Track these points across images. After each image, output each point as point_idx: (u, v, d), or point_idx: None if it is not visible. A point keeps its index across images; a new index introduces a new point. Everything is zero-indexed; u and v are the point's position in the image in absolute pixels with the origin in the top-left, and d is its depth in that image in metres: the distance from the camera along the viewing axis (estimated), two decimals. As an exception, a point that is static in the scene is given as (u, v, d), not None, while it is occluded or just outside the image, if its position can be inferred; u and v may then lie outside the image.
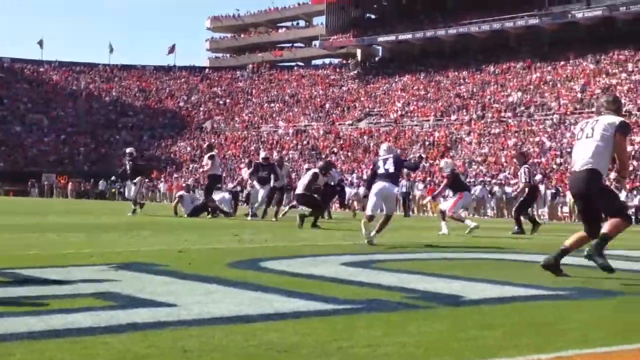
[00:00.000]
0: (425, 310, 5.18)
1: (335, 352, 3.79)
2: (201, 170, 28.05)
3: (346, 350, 3.83)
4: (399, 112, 65.22)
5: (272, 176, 21.54)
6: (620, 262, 9.63)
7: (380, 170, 12.19)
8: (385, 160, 12.29)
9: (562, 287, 6.58)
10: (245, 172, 25.85)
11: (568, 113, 54.63)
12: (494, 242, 13.68)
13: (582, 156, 7.53)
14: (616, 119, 7.57)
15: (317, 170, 19.69)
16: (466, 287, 6.35)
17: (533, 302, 5.73)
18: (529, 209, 19.64)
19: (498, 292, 6.16)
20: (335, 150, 61.19)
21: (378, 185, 12.07)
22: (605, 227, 7.42)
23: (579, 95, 56.46)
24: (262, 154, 23.30)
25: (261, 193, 21.47)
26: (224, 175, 26.45)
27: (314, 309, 5.04)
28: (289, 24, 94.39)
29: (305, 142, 65.57)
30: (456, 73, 67.73)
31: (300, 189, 18.83)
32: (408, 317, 4.86)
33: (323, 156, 59.82)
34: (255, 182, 21.89)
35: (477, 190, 40.21)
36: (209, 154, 22.22)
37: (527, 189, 18.36)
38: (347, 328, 4.40)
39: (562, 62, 62.11)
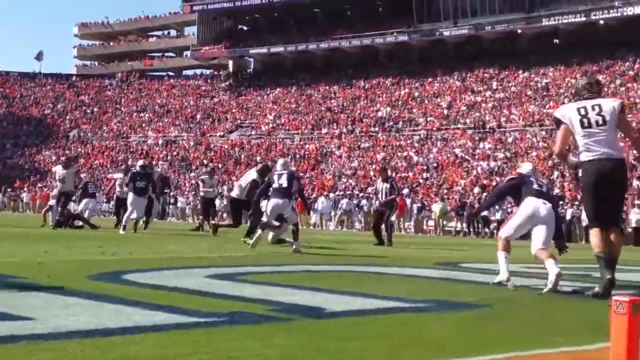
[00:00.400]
0: (287, 322, 5.17)
1: (194, 366, 3.75)
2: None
3: (205, 364, 3.78)
4: (271, 125, 65.40)
5: (149, 186, 21.01)
6: (477, 275, 9.93)
7: (275, 185, 12.39)
8: (280, 176, 12.49)
9: (423, 299, 6.70)
10: (119, 181, 24.74)
11: (434, 129, 56.11)
12: (360, 254, 13.86)
13: (608, 145, 7.29)
14: (615, 102, 7.64)
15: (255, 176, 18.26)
16: (328, 300, 6.37)
17: (393, 314, 5.81)
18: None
19: (360, 304, 6.21)
20: (205, 162, 60.76)
21: (272, 202, 12.42)
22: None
23: (445, 111, 58.07)
24: (140, 162, 22.42)
25: (136, 204, 20.47)
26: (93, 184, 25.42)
27: (174, 322, 4.95)
28: (159, 33, 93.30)
29: (175, 153, 64.84)
30: (327, 87, 68.50)
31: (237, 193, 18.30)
32: (270, 329, 4.84)
33: (193, 167, 59.33)
34: (130, 193, 20.70)
35: (344, 203, 40.78)
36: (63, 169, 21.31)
37: (395, 202, 19.00)
38: (207, 341, 4.34)
39: (430, 79, 63.77)
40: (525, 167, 12.68)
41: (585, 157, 7.38)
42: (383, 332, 4.92)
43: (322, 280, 8.31)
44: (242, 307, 5.69)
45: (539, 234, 8.23)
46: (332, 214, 41.13)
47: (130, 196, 20.67)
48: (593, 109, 7.44)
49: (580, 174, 7.53)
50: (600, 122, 7.34)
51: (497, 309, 6.28)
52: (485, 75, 61.04)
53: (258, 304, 5.94)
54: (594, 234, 7.30)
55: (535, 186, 10.72)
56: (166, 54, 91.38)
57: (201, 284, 7.25)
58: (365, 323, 5.31)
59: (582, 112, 7.45)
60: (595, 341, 4.56)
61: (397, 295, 6.93)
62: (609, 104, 7.56)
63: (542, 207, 8.96)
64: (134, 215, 20.54)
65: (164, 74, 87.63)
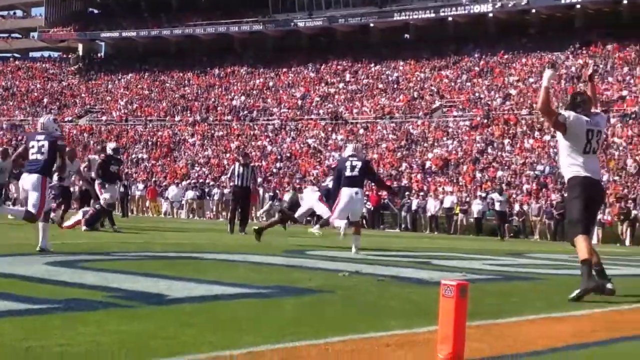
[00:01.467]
0: (127, 309, 5.12)
1: (24, 352, 3.65)
2: None
3: (36, 350, 3.69)
4: (122, 111, 64.04)
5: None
6: (322, 262, 10.10)
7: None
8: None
9: (266, 285, 6.77)
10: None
11: (288, 119, 56.47)
12: (210, 242, 13.82)
13: (596, 170, 7.77)
14: (604, 118, 8.24)
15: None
16: (172, 286, 6.34)
17: (236, 300, 5.85)
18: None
19: (203, 290, 6.21)
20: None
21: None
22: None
23: (299, 102, 58.52)
24: (112, 145, 19.20)
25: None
26: None
27: (7, 308, 4.81)
28: (5, 13, 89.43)
29: (20, 138, 62.48)
30: (181, 74, 67.67)
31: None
32: (106, 316, 4.77)
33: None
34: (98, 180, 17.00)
35: (192, 193, 40.40)
36: None
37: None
38: (41, 328, 4.25)
39: (285, 69, 64.07)
40: (347, 150, 13.14)
41: (583, 173, 7.65)
42: (223, 318, 4.95)
43: (168, 267, 8.25)
44: (80, 294, 5.58)
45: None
46: (183, 202, 40.69)
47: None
48: (597, 134, 7.69)
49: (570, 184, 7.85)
50: (596, 149, 7.72)
51: (337, 295, 6.42)
52: (339, 67, 61.87)
53: (97, 290, 5.84)
54: (584, 240, 7.53)
55: (347, 172, 12.04)
56: (12, 35, 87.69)
57: (40, 271, 7.07)
58: (206, 309, 5.32)
59: (589, 136, 7.63)
60: (427, 324, 4.74)
61: (241, 281, 6.97)
62: (604, 131, 8.00)
63: (354, 197, 12.37)
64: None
65: (9, 55, 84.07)
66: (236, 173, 18.91)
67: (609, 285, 7.43)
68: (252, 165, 20.56)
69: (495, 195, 29.89)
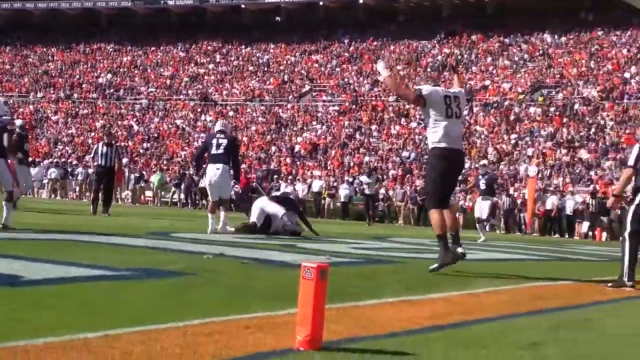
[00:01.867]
0: (-21, 291, 4.93)
1: None
2: None
3: None
4: (-19, 86, 61.57)
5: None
6: (186, 244, 10.02)
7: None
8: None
9: (128, 267, 6.65)
10: None
11: (156, 98, 55.59)
12: (71, 223, 13.47)
13: (458, 135, 8.16)
14: (462, 90, 8.65)
15: None
16: (28, 268, 6.14)
17: (95, 282, 5.72)
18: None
19: (61, 272, 6.03)
20: None
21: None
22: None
23: (168, 81, 57.68)
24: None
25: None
26: None
27: None
28: None
29: None
30: (44, 49, 65.47)
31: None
32: (-44, 299, 4.58)
33: None
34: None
35: (54, 172, 39.24)
36: None
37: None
38: None
39: (153, 48, 62.95)
40: (217, 125, 13.21)
41: (441, 143, 8.05)
42: (82, 301, 4.83)
43: (24, 248, 7.99)
44: None
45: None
46: (45, 181, 39.45)
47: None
48: (454, 100, 8.21)
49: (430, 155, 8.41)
50: (458, 113, 8.19)
51: (200, 277, 6.37)
52: (209, 47, 61.29)
53: (-54, 272, 5.59)
54: (437, 214, 7.95)
55: (213, 149, 12.11)
56: None
57: None
58: (64, 291, 5.18)
59: (448, 101, 8.13)
60: (288, 307, 4.76)
61: (102, 263, 6.82)
62: (463, 98, 8.52)
63: (216, 172, 12.64)
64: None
65: None
66: (99, 152, 18.52)
67: (459, 250, 7.94)
68: (117, 144, 20.18)
69: (364, 178, 30.33)
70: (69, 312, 4.41)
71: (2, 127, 10.49)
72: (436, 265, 7.91)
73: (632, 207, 8.26)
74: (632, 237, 8.14)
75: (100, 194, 18.91)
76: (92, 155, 20.72)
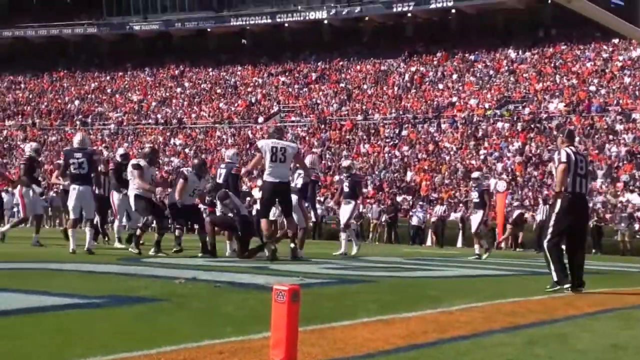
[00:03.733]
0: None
1: None
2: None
3: None
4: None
5: None
6: (157, 269, 9.92)
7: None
8: None
9: (98, 295, 6.57)
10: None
11: (125, 123, 55.39)
12: (41, 251, 13.31)
13: (284, 173, 12.53)
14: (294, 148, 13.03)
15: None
16: (-2, 298, 6.06)
17: (65, 311, 5.65)
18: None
19: (31, 302, 5.96)
20: None
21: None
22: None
23: (136, 106, 57.49)
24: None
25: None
26: None
27: None
28: None
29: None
30: (12, 77, 65.04)
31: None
32: None
33: None
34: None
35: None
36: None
37: None
38: None
39: (121, 73, 62.77)
40: (75, 140, 12.76)
41: (270, 178, 12.20)
42: (52, 330, 4.77)
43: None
44: None
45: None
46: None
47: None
48: (280, 150, 12.09)
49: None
50: (282, 159, 12.10)
51: (172, 303, 6.31)
52: (176, 71, 61.22)
53: None
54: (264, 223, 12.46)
55: (72, 168, 12.64)
56: None
57: None
58: (35, 321, 5.12)
59: (274, 150, 12.05)
60: (263, 330, 4.73)
61: (73, 291, 6.74)
62: (288, 148, 12.28)
63: (78, 188, 12.51)
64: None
65: None
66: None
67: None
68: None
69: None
70: (39, 342, 4.35)
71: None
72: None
73: (554, 216, 8.90)
74: (555, 245, 8.89)
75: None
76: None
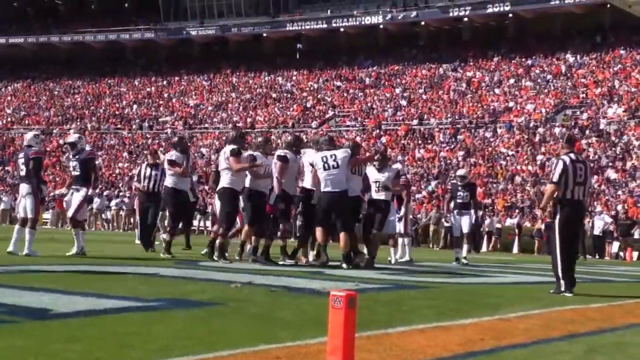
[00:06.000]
0: (10, 324, 4.94)
1: None
2: None
3: None
4: (9, 119, 62.19)
5: None
6: (215, 273, 9.98)
7: None
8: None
9: (156, 298, 6.64)
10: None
11: (181, 128, 55.95)
12: (99, 253, 13.49)
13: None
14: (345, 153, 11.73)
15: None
16: (57, 301, 6.14)
17: (123, 314, 5.71)
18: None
19: (90, 304, 6.04)
20: None
21: None
22: None
23: (192, 111, 58.04)
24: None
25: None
26: None
27: None
28: None
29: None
30: (70, 82, 66.19)
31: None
32: (-13, 333, 4.59)
33: None
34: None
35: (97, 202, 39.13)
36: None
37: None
38: None
39: (177, 78, 63.43)
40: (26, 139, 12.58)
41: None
42: (110, 332, 4.82)
43: (54, 281, 7.98)
44: (-41, 311, 5.35)
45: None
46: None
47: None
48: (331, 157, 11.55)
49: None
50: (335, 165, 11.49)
51: (228, 307, 6.34)
52: (233, 77, 61.64)
53: (-25, 306, 5.61)
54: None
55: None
56: None
57: None
58: (93, 323, 5.18)
59: (324, 159, 11.54)
60: (317, 335, 4.73)
61: (131, 294, 6.82)
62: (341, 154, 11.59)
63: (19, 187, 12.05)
64: None
65: None
66: (142, 175, 15.69)
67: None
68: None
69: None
70: (98, 344, 4.40)
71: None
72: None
73: (558, 225, 9.09)
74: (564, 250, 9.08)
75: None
76: (135, 178, 16.87)
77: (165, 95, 61.65)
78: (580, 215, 9.62)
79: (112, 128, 58.17)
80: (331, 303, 3.93)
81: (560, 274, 9.03)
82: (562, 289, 8.98)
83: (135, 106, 60.64)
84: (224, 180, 11.94)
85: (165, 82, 63.45)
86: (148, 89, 62.97)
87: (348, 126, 50.71)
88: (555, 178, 9.08)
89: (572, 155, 9.23)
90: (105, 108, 61.30)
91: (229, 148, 11.96)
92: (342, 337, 3.89)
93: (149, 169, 15.55)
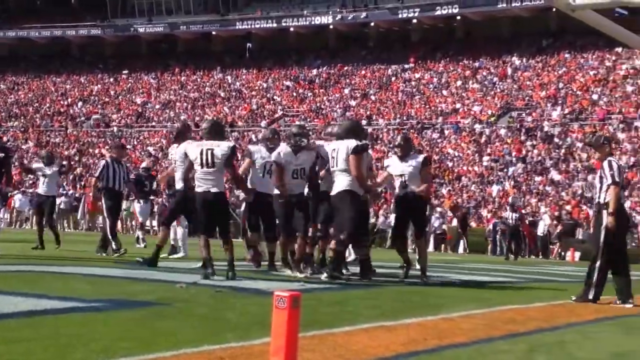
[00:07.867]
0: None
1: None
2: None
3: None
4: (-50, 116, 61.03)
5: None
6: (159, 273, 9.92)
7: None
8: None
9: (99, 298, 6.57)
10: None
11: (128, 125, 55.39)
12: (42, 253, 13.32)
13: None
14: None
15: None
16: (-3, 301, 6.05)
17: (66, 315, 5.64)
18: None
19: (31, 304, 5.95)
20: None
21: None
22: None
23: (139, 109, 57.49)
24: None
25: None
26: None
27: None
28: None
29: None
30: (14, 78, 65.09)
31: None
32: None
33: None
34: None
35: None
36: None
37: None
38: None
39: (124, 75, 62.78)
40: None
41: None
42: (52, 333, 4.76)
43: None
44: None
45: None
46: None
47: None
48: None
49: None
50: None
51: (173, 307, 6.31)
52: (181, 75, 61.20)
53: None
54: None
55: None
56: None
57: None
58: (34, 324, 5.11)
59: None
60: (263, 335, 4.72)
61: (73, 295, 6.74)
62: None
63: None
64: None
65: None
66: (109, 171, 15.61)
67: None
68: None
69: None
70: (40, 345, 4.34)
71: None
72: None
73: (603, 230, 8.51)
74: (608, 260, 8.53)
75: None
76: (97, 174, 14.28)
77: (112, 92, 60.95)
78: (627, 222, 8.90)
79: (57, 126, 57.30)
80: (275, 303, 3.93)
81: (596, 282, 8.54)
82: (590, 297, 8.56)
83: (80, 103, 59.85)
84: (343, 183, 9.56)
85: (112, 80, 62.74)
86: (94, 86, 62.19)
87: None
88: (617, 177, 8.32)
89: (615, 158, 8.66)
90: (50, 105, 60.39)
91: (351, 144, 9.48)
92: (285, 337, 3.90)
93: (114, 165, 13.72)
